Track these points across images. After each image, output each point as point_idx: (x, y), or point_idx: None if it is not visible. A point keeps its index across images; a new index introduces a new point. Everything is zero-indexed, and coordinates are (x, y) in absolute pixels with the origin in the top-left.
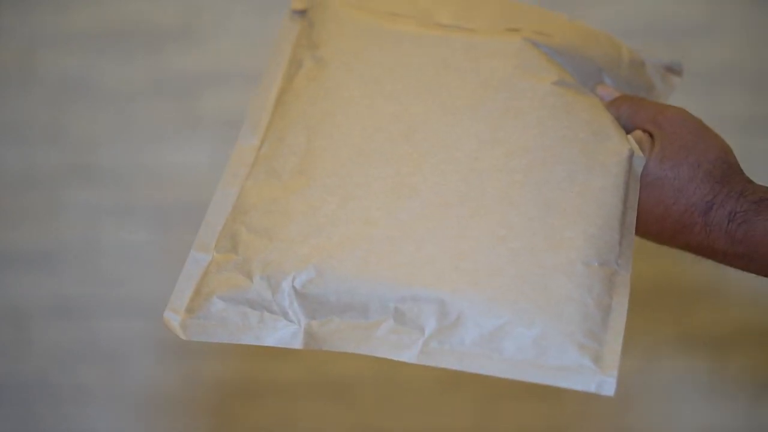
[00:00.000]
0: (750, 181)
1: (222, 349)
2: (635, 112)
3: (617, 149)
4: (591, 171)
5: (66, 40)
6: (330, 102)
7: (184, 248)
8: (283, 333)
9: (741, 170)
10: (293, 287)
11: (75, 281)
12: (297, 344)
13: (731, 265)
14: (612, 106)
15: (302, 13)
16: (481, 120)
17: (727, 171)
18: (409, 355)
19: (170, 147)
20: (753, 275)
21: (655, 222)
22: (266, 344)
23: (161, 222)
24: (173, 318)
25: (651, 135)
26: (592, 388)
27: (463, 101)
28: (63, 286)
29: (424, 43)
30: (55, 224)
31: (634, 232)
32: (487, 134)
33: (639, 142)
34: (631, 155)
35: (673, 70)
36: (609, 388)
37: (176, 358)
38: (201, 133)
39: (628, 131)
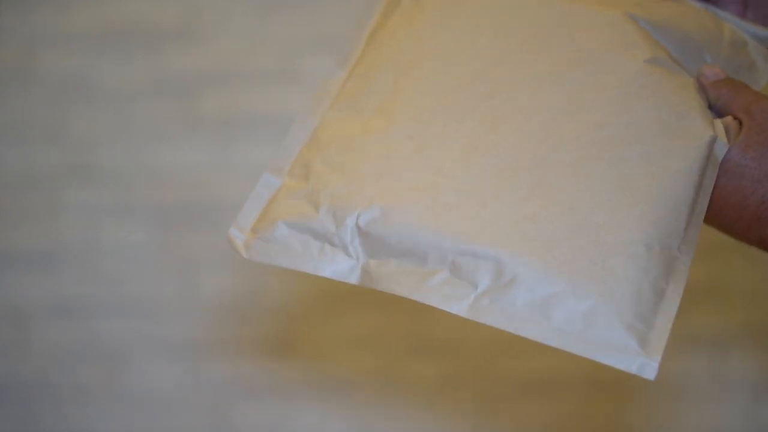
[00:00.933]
0: None
1: (222, 349)
2: (732, 98)
3: (699, 133)
4: (668, 153)
5: (66, 40)
6: (421, 47)
7: (184, 248)
8: (341, 267)
9: None
10: (357, 224)
11: (75, 281)
12: (353, 279)
13: None
14: (713, 87)
15: None
16: (565, 91)
17: None
18: (459, 307)
19: (170, 147)
20: (754, 275)
21: (731, 211)
22: (323, 275)
23: (161, 222)
24: (237, 236)
25: (741, 122)
26: (633, 369)
27: (550, 69)
28: (63, 286)
29: (523, 3)
30: (55, 224)
31: (702, 219)
32: (568, 105)
33: (726, 128)
34: (713, 141)
35: None
36: (650, 372)
37: (176, 358)
38: (201, 133)
39: (721, 115)
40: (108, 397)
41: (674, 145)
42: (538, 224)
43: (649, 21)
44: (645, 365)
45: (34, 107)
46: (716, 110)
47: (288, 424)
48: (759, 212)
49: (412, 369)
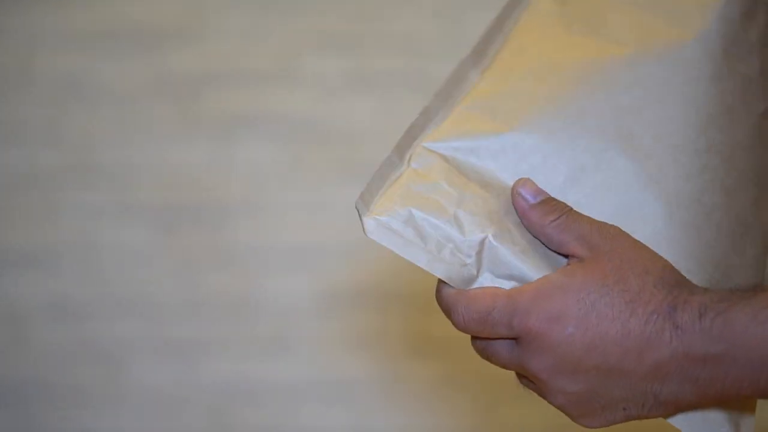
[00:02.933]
0: (708, 288)
1: (222, 349)
2: (562, 230)
3: None
4: None
5: (66, 40)
6: (564, 55)
7: (184, 248)
8: (456, 271)
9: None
10: (488, 239)
11: (74, 281)
12: (463, 286)
13: (710, 378)
14: (537, 212)
15: None
16: (698, 116)
17: (679, 277)
18: None
19: (170, 147)
20: None
21: (614, 345)
22: (436, 274)
23: (161, 222)
24: (363, 210)
25: (580, 259)
26: None
27: (687, 99)
28: (62, 286)
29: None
30: (55, 224)
31: None
32: (698, 137)
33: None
34: None
35: None
36: None
37: (176, 358)
38: (201, 133)
39: (555, 249)
40: (107, 397)
41: None
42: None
43: None
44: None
45: (33, 107)
46: (543, 238)
47: (288, 424)
48: (646, 332)
49: (412, 369)
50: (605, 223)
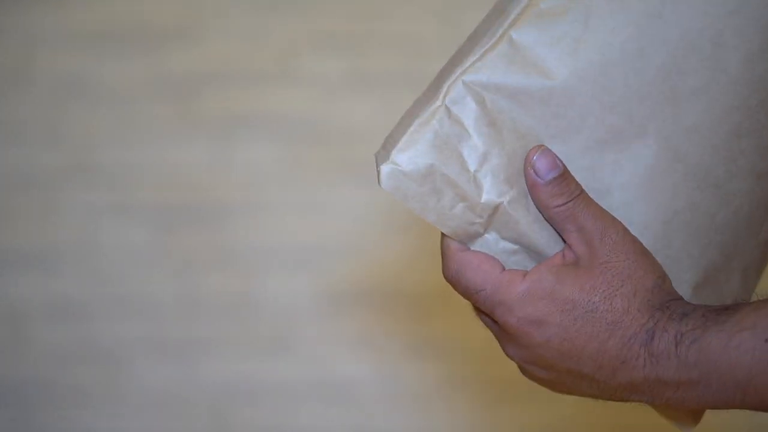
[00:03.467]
0: (690, 303)
1: (222, 349)
2: (565, 218)
3: None
4: None
5: (66, 40)
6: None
7: (184, 248)
8: (463, 227)
9: (679, 296)
10: (503, 205)
11: (74, 281)
12: (469, 245)
13: (683, 402)
14: (548, 191)
15: None
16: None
17: (665, 298)
18: None
19: (170, 147)
20: None
21: (589, 359)
22: (444, 230)
23: (161, 222)
24: (382, 158)
25: (575, 256)
26: None
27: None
28: (62, 286)
29: None
30: (55, 224)
31: None
32: (746, 117)
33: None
34: None
35: None
36: None
37: (176, 358)
38: (201, 133)
39: (552, 223)
40: (107, 397)
41: None
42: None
43: None
44: None
45: (33, 107)
46: (546, 217)
47: (288, 424)
48: (621, 355)
49: (412, 369)
50: (610, 223)
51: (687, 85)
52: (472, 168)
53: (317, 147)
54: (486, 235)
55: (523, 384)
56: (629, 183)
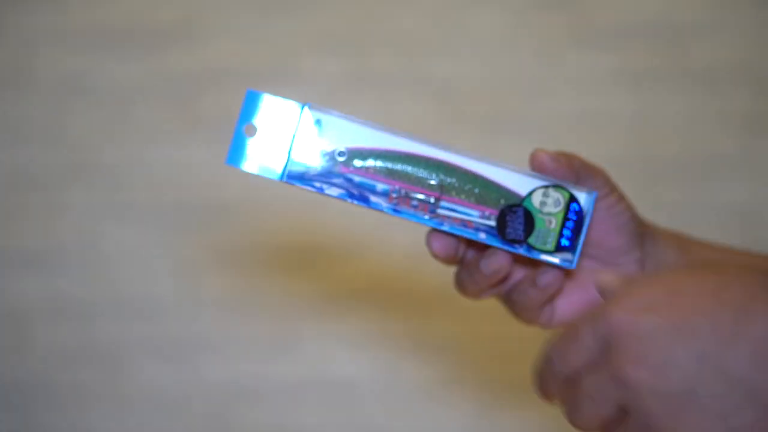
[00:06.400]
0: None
1: (222, 349)
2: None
3: None
4: None
5: (66, 40)
6: None
7: (184, 248)
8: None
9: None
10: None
11: (75, 281)
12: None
13: None
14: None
15: None
16: None
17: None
18: None
19: (170, 147)
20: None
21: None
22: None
23: (161, 222)
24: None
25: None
26: None
27: None
28: (62, 287)
29: None
30: (55, 224)
31: None
32: None
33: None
34: None
35: None
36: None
37: (176, 358)
38: (201, 133)
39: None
40: (108, 397)
41: None
42: None
43: None
44: None
45: (34, 107)
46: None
47: (288, 424)
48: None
49: (412, 369)
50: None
51: None
52: None
53: None
54: None
55: (524, 384)
56: None
